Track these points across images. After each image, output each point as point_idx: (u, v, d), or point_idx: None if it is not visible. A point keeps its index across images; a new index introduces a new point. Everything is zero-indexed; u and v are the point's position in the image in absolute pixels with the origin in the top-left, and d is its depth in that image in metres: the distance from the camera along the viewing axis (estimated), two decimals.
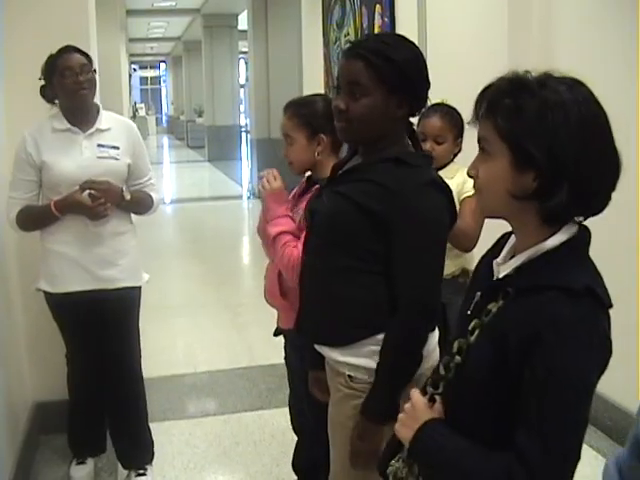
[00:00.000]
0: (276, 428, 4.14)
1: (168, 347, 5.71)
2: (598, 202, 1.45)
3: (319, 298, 2.25)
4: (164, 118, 44.84)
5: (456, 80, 4.28)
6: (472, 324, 1.52)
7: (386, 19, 6.18)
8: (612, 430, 3.94)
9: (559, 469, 1.35)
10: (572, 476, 1.37)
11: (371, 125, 2.12)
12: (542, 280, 1.41)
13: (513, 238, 1.56)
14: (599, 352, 1.38)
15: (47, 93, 3.31)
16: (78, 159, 3.27)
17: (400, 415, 1.60)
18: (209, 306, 6.97)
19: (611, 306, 1.42)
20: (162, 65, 44.61)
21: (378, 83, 2.07)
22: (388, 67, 2.07)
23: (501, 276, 1.51)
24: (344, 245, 2.14)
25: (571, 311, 1.36)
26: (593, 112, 1.41)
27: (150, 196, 3.53)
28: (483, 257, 1.67)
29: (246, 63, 17.46)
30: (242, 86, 24.28)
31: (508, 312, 1.44)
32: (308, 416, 2.92)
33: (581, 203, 1.42)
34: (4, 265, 3.67)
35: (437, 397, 1.59)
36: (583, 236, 1.48)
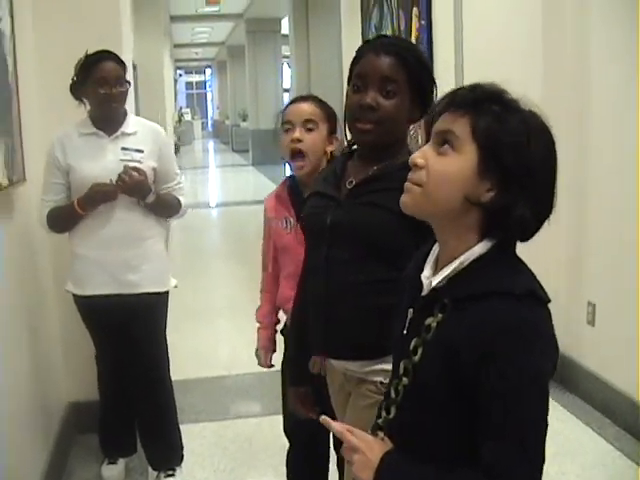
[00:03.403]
0: None
1: (205, 349, 5.76)
2: (531, 230, 1.44)
3: (354, 313, 2.09)
4: (210, 122, 45.16)
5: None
6: (413, 343, 1.47)
7: (423, 22, 6.16)
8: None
9: (529, 476, 1.33)
10: (541, 477, 1.35)
11: (397, 127, 2.06)
12: (479, 287, 1.39)
13: (435, 250, 1.52)
14: (548, 352, 1.38)
15: (76, 91, 3.35)
16: (102, 162, 3.31)
17: (355, 457, 1.46)
18: (250, 308, 6.98)
19: (549, 301, 1.41)
20: (208, 70, 44.96)
21: (410, 83, 2.02)
22: (419, 68, 2.04)
23: (433, 286, 1.47)
24: (384, 256, 2.03)
25: (516, 316, 1.34)
26: (554, 145, 1.43)
27: (178, 200, 3.55)
28: (404, 273, 1.64)
29: (289, 67, 17.52)
30: (286, 90, 24.35)
31: (451, 325, 1.40)
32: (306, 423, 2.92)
33: (525, 224, 1.41)
34: (40, 266, 3.74)
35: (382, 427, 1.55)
36: (509, 237, 1.44)
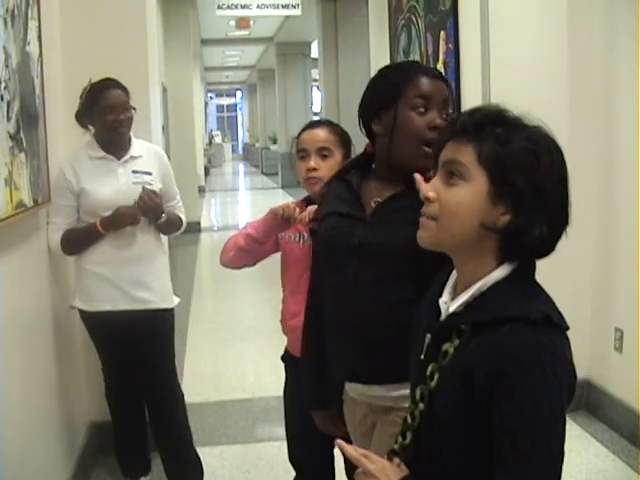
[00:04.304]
0: None
1: (228, 371, 5.74)
2: (550, 246, 1.43)
3: (388, 333, 2.01)
4: (240, 145, 45.41)
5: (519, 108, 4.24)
6: (430, 368, 1.46)
7: (450, 45, 6.16)
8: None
9: None
10: None
11: None
12: (496, 313, 1.36)
13: (454, 276, 1.51)
14: (564, 379, 1.34)
15: (83, 119, 3.44)
16: (115, 185, 3.41)
17: None
18: (274, 331, 6.97)
19: (568, 328, 1.38)
20: (238, 93, 45.26)
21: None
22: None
23: (450, 312, 1.45)
24: (418, 275, 1.93)
25: (531, 342, 1.32)
26: (562, 156, 1.42)
27: (179, 217, 3.70)
28: (425, 297, 1.61)
29: (319, 90, 17.59)
30: (315, 113, 24.43)
31: (467, 350, 1.39)
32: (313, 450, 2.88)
33: (550, 240, 1.41)
34: (65, 285, 3.76)
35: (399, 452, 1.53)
36: (528, 263, 1.43)
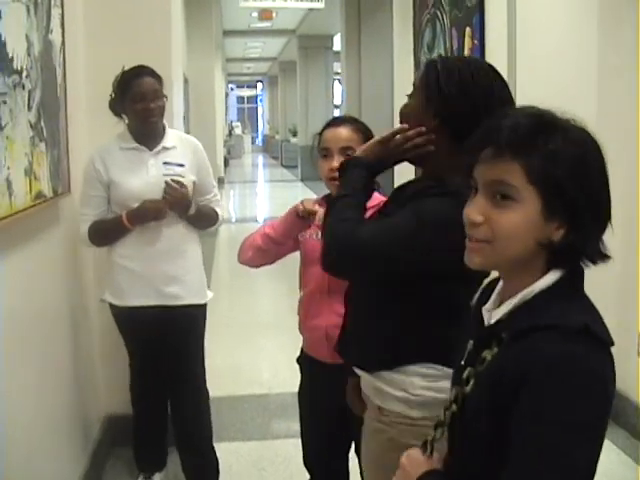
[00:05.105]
0: None
1: (245, 366, 5.72)
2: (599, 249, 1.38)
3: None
4: (260, 137, 45.43)
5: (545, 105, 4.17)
6: (466, 373, 1.42)
7: (476, 41, 6.09)
8: None
9: None
10: None
11: None
12: (536, 321, 1.30)
13: (500, 284, 1.46)
14: (597, 396, 1.26)
15: (115, 108, 3.37)
16: (145, 177, 3.33)
17: (397, 472, 1.50)
18: (292, 327, 6.95)
19: (612, 344, 1.30)
20: (259, 85, 45.26)
21: None
22: None
23: (493, 322, 1.41)
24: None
25: (563, 351, 1.25)
26: (603, 157, 1.35)
27: (215, 211, 3.59)
28: (474, 305, 1.58)
29: (340, 84, 17.54)
30: (337, 107, 24.38)
31: (501, 357, 1.34)
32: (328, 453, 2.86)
33: (596, 246, 1.36)
34: (83, 278, 3.74)
35: (435, 445, 1.49)
36: (576, 271, 1.37)
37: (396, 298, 1.97)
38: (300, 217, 2.68)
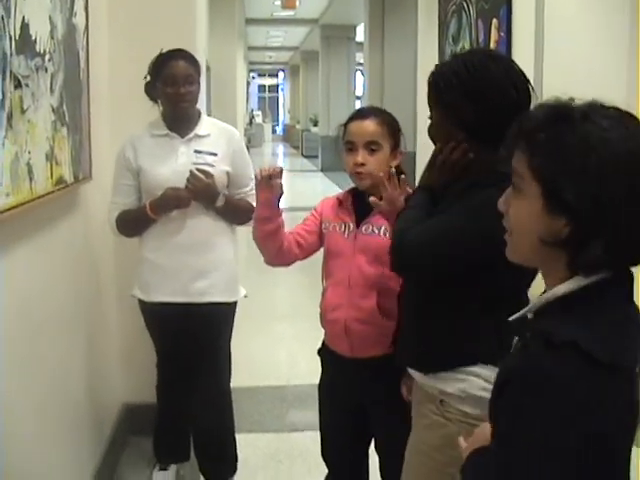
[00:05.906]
0: None
1: (263, 357, 5.68)
2: (636, 252, 1.25)
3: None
4: (280, 126, 45.37)
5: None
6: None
7: (502, 34, 5.99)
8: None
9: None
10: None
11: None
12: (541, 327, 1.24)
13: None
14: (581, 420, 1.16)
15: (151, 92, 3.30)
16: (173, 165, 3.24)
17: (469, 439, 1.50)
18: (310, 318, 6.91)
19: (613, 366, 1.18)
20: (281, 74, 45.20)
21: None
22: None
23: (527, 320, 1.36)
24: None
25: (532, 364, 1.19)
26: (631, 157, 1.21)
27: (252, 205, 3.33)
28: None
29: (362, 74, 17.47)
30: (358, 97, 24.29)
31: (506, 360, 1.32)
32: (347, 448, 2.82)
33: (618, 253, 1.22)
34: (101, 267, 3.70)
35: None
36: (612, 281, 1.25)
37: (451, 298, 2.01)
38: (265, 185, 2.63)
